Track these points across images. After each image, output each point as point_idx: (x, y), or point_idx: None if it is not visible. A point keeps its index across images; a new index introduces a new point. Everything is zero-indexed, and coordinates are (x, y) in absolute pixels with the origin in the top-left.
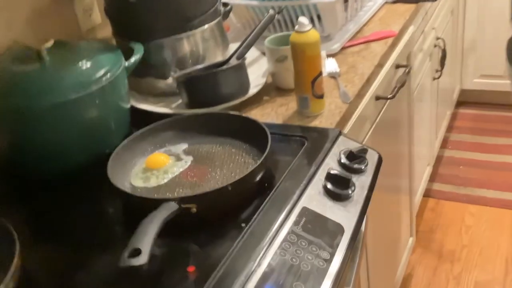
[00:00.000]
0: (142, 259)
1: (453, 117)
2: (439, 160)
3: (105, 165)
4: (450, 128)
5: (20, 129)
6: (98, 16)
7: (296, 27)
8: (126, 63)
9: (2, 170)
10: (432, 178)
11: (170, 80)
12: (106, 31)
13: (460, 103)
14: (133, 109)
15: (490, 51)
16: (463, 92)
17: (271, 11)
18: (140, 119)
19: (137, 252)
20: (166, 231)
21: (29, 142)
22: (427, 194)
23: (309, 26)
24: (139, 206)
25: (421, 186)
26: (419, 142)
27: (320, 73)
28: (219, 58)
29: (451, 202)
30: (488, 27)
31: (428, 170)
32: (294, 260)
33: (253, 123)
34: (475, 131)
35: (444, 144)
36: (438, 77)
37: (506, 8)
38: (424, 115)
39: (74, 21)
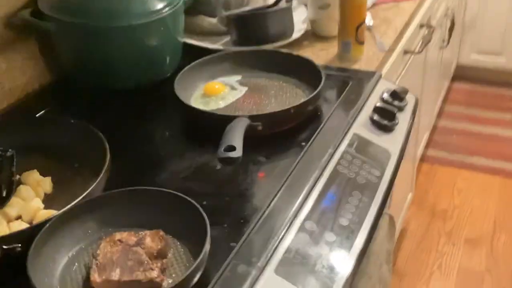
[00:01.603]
0: (237, 153)
1: (448, 90)
2: (434, 128)
3: (162, 89)
4: (445, 100)
5: (87, 46)
6: None
7: None
8: None
9: (75, 81)
10: (427, 144)
11: (215, 20)
12: None
13: (455, 77)
14: (184, 45)
15: (489, 27)
16: (459, 66)
17: None
18: (189, 55)
19: (231, 148)
20: None
21: (96, 58)
22: (422, 159)
23: None
24: (211, 123)
25: (419, 151)
26: (424, 108)
27: (364, 21)
28: (260, 3)
29: (444, 167)
30: (490, 4)
31: (425, 137)
32: (350, 174)
33: (304, 61)
34: (468, 104)
35: (439, 114)
36: (446, 46)
37: None
38: (430, 83)
39: None
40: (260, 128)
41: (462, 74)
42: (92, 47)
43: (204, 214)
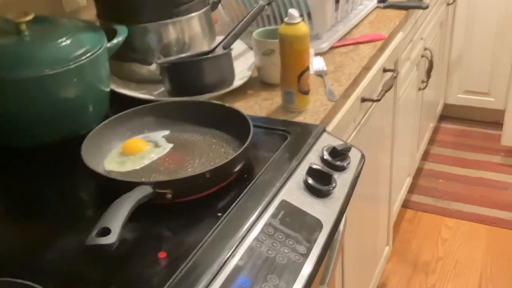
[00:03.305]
0: (110, 239)
1: (435, 130)
2: (419, 172)
3: (80, 146)
4: (431, 141)
5: None
6: None
7: (286, 19)
8: (109, 44)
9: None
10: (411, 189)
11: (153, 67)
12: (89, 13)
13: (442, 117)
14: (113, 94)
15: (475, 67)
16: (446, 106)
17: (261, 2)
18: (120, 104)
19: (106, 231)
20: (140, 216)
21: (3, 113)
22: (406, 204)
23: (299, 19)
24: (112, 189)
25: (399, 196)
26: (400, 152)
27: (307, 68)
28: (205, 48)
29: (428, 214)
30: (475, 44)
31: (407, 181)
32: (270, 252)
33: (236, 114)
34: (456, 146)
35: (425, 156)
36: (424, 88)
37: (493, 26)
38: (407, 125)
39: (58, 0)
40: (169, 196)
41: (449, 114)
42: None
43: None
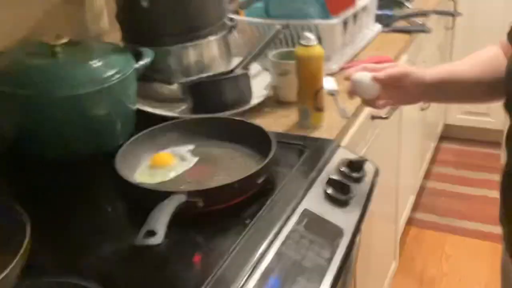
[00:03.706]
0: (157, 239)
1: (436, 150)
2: (421, 190)
3: (109, 161)
4: (433, 161)
5: (30, 118)
6: (106, 22)
7: (302, 41)
8: (137, 65)
9: (12, 153)
10: (415, 207)
11: (174, 86)
12: (112, 37)
13: (443, 138)
14: (137, 112)
15: None
16: (447, 126)
17: (278, 26)
18: (144, 122)
19: (152, 233)
20: (173, 223)
21: (39, 130)
22: (410, 222)
23: (315, 41)
24: (147, 199)
25: (404, 214)
26: (404, 170)
27: (322, 87)
28: (222, 69)
29: (432, 231)
30: None
31: (411, 199)
32: (296, 256)
33: (256, 129)
34: (457, 165)
35: (427, 175)
36: (426, 108)
37: None
38: (411, 145)
39: (83, 25)
40: (200, 204)
41: (450, 134)
42: (35, 119)
43: None
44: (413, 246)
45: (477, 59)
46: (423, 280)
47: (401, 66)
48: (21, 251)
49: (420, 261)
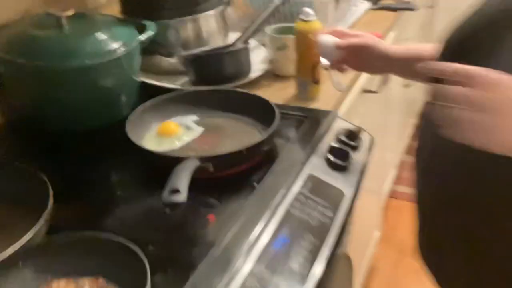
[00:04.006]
0: (181, 197)
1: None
2: (403, 164)
3: (115, 131)
4: (414, 137)
5: (39, 88)
6: None
7: (302, 16)
8: (141, 38)
9: (25, 123)
10: (396, 181)
11: (174, 59)
12: (110, 10)
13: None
14: (141, 84)
15: None
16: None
17: (277, 1)
18: (146, 94)
19: (176, 191)
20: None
21: (48, 100)
22: (391, 195)
23: (314, 17)
24: (161, 164)
25: (387, 186)
26: (388, 146)
27: (319, 61)
28: (219, 43)
29: (413, 203)
30: None
31: (393, 173)
32: (303, 216)
33: (258, 100)
34: None
35: (409, 150)
36: (409, 86)
37: None
38: (394, 120)
39: None
40: (211, 169)
41: None
42: (44, 89)
43: (145, 260)
44: (395, 217)
45: None
46: (403, 249)
47: (367, 37)
48: (47, 210)
49: (401, 231)
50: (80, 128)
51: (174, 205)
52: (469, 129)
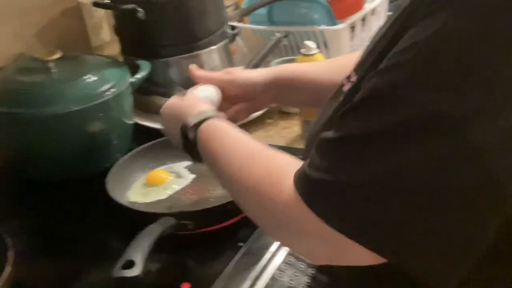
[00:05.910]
0: (135, 271)
1: None
2: None
3: (100, 180)
4: None
5: (23, 136)
6: (107, 33)
7: (303, 50)
8: (132, 79)
9: (5, 173)
10: None
11: None
12: (114, 48)
13: None
14: (136, 126)
15: None
16: None
17: (278, 34)
18: (143, 136)
19: (130, 264)
20: (163, 246)
21: (32, 149)
22: None
23: (316, 50)
24: (137, 220)
25: None
26: None
27: None
28: None
29: None
30: None
31: None
32: (291, 282)
33: None
34: None
35: None
36: None
37: None
38: None
39: (84, 37)
40: (191, 226)
41: None
42: (27, 137)
43: None
44: None
45: (338, 62)
46: None
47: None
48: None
49: None
50: (66, 177)
51: (125, 280)
52: None
